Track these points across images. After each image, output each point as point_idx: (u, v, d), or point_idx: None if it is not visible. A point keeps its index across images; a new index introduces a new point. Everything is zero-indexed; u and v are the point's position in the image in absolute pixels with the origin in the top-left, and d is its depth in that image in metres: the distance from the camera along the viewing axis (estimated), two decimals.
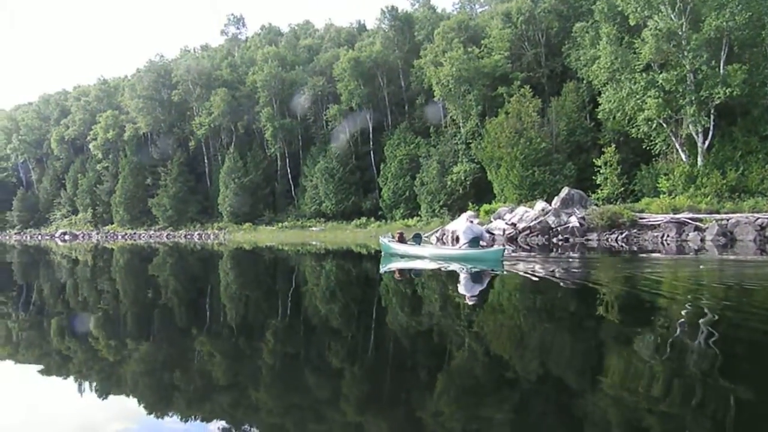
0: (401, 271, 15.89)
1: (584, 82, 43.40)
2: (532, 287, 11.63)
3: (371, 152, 60.07)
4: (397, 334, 7.56)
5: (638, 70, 34.77)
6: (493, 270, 14.40)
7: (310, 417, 4.52)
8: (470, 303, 9.76)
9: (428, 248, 19.33)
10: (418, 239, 20.33)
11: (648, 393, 4.61)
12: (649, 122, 34.51)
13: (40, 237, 75.93)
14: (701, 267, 15.42)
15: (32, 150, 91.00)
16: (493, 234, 32.17)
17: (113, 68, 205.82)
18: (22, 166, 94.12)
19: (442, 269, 15.21)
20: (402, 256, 18.70)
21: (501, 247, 17.75)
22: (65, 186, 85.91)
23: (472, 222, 18.05)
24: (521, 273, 13.79)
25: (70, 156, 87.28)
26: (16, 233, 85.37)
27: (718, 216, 28.01)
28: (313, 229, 56.95)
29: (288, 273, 18.64)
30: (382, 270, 16.54)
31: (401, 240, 19.66)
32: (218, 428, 4.26)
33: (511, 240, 30.64)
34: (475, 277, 13.37)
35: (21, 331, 8.29)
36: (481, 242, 17.06)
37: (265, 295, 12.84)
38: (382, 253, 19.97)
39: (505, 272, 13.96)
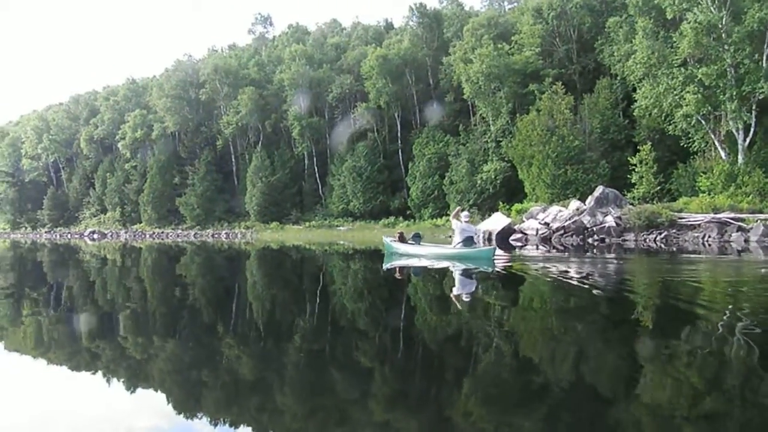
0: (401, 269, 16.51)
1: (618, 78, 42.55)
2: (566, 291, 10.94)
3: (399, 151, 59.45)
4: (421, 333, 7.60)
5: (676, 65, 33.69)
6: (483, 268, 15.18)
7: (337, 416, 4.52)
8: (466, 300, 10.07)
9: (426, 247, 19.93)
10: (417, 239, 20.91)
11: (683, 404, 4.41)
12: (688, 119, 33.37)
13: (69, 236, 76.34)
14: (763, 271, 14.57)
15: (62, 149, 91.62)
16: (526, 234, 31.43)
17: (142, 69, 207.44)
18: (53, 165, 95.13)
19: (439, 267, 15.74)
20: (402, 255, 19.60)
21: (492, 246, 18.79)
22: (94, 185, 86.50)
23: (466, 222, 18.45)
24: (558, 277, 13.09)
25: (99, 155, 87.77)
26: (46, 232, 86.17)
27: (762, 216, 26.91)
28: (341, 228, 56.49)
29: (314, 272, 18.58)
30: (384, 267, 17.53)
31: (401, 240, 20.68)
32: (246, 425, 4.32)
33: (545, 240, 29.82)
34: (468, 276, 13.90)
35: (52, 328, 8.36)
36: (476, 241, 18.19)
37: (291, 294, 12.76)
38: (385, 252, 21.06)
39: (495, 270, 14.93)
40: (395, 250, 20.29)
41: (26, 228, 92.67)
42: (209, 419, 4.45)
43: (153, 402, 4.87)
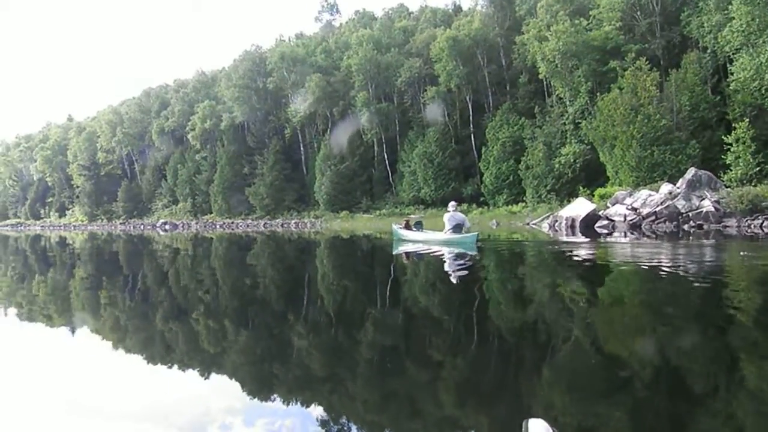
0: (407, 254, 18.14)
1: (708, 51, 39.47)
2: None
3: (472, 135, 57.40)
4: (499, 324, 7.28)
5: None
6: (468, 252, 16.70)
7: (412, 405, 4.52)
8: (454, 281, 11.09)
9: (425, 234, 22.10)
10: (419, 226, 23.41)
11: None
12: None
13: (142, 227, 77.72)
14: None
15: (135, 142, 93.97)
16: (613, 221, 29.30)
17: (211, 61, 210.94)
18: (126, 158, 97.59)
19: (435, 252, 17.40)
20: (406, 241, 21.90)
21: (475, 233, 19.59)
22: (166, 177, 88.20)
23: (454, 210, 20.52)
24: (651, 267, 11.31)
25: (170, 147, 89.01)
26: (121, 223, 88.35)
27: None
28: (412, 216, 54.69)
29: (385, 260, 18.21)
30: (394, 252, 19.00)
31: (407, 227, 23.33)
32: (317, 412, 4.31)
33: (635, 227, 27.60)
34: (459, 260, 15.15)
35: (132, 315, 8.78)
36: (464, 228, 20.08)
37: (362, 284, 12.50)
38: (394, 239, 23.30)
39: (476, 255, 16.20)
40: (401, 236, 22.77)
41: (102, 220, 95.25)
42: (282, 401, 4.61)
43: (229, 384, 5.11)
